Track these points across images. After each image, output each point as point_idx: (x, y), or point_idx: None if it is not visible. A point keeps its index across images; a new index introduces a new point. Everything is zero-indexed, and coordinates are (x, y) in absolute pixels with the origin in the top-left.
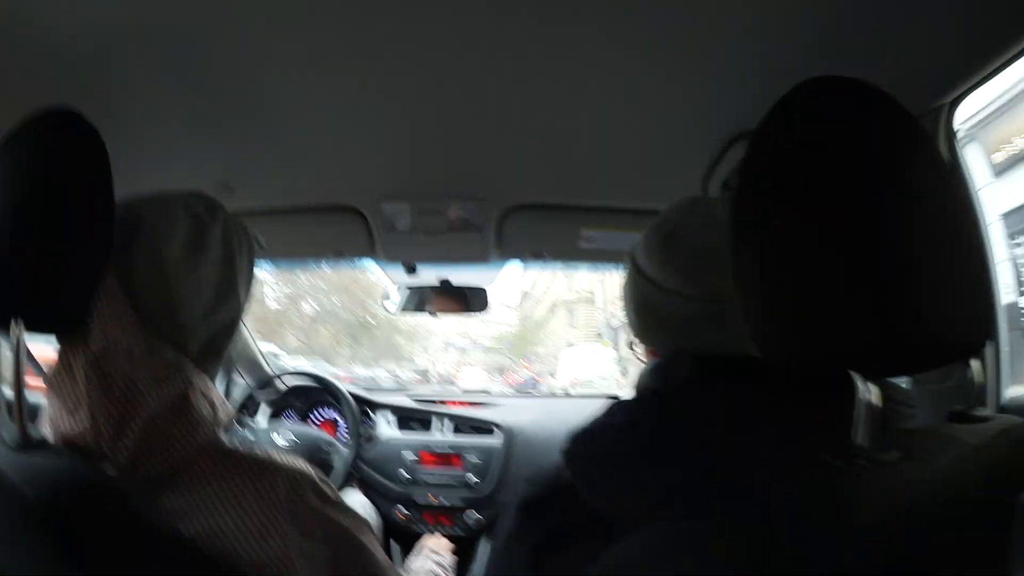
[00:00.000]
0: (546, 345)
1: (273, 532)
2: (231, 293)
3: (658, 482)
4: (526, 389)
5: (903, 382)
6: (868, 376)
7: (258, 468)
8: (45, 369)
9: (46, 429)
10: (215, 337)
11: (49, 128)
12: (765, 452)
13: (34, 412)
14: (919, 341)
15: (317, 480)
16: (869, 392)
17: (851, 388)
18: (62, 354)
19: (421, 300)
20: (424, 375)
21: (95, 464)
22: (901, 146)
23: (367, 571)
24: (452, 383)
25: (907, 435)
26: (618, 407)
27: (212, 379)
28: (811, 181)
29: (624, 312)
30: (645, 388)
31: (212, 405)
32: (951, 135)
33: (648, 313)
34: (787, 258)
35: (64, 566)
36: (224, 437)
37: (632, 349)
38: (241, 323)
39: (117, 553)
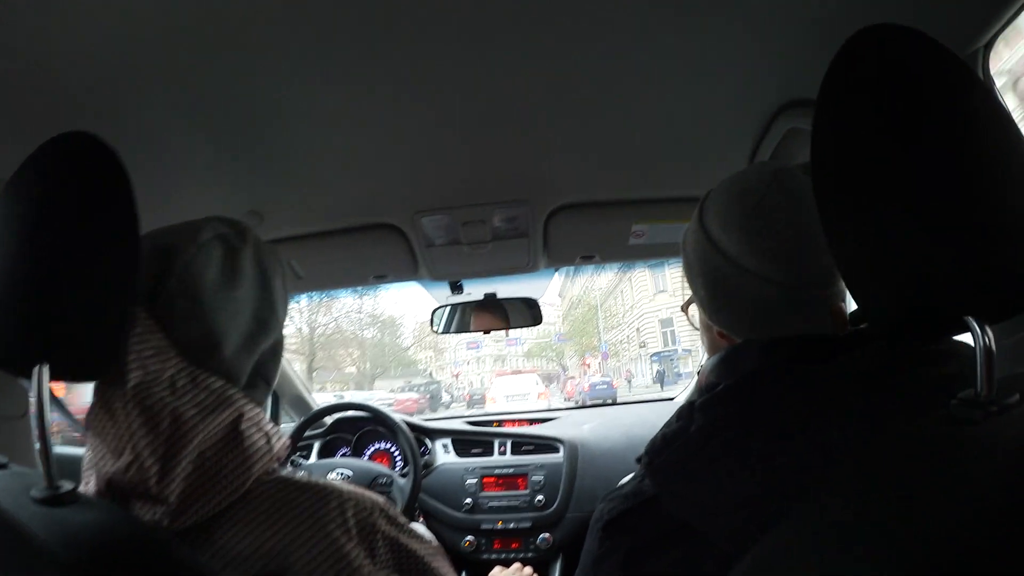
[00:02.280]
0: (624, 326)
1: (343, 564)
2: (271, 316)
3: (757, 481)
4: (596, 399)
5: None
6: (983, 320)
7: (324, 495)
8: (77, 417)
9: (88, 477)
10: (260, 363)
11: (64, 154)
12: (870, 421)
13: (75, 465)
14: None
15: (386, 506)
16: (986, 336)
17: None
18: (99, 393)
19: (464, 317)
20: (433, 394)
21: (133, 515)
22: (963, 90)
23: None
24: (482, 402)
25: (1011, 381)
26: (690, 410)
27: (262, 408)
28: (890, 130)
29: (689, 281)
30: (713, 385)
31: (266, 436)
32: (989, 79)
33: (720, 291)
34: (883, 213)
35: None
36: (281, 470)
37: (685, 311)
38: (283, 352)
39: None
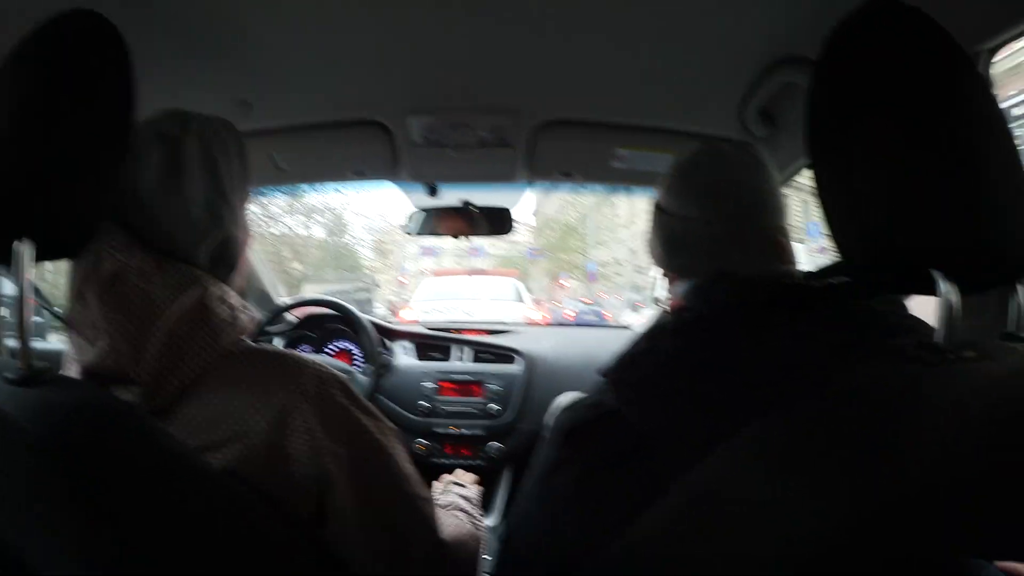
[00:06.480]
0: (615, 243)
1: (299, 424)
2: (223, 205)
3: (721, 400)
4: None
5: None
6: (950, 277)
7: (283, 362)
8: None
9: (71, 371)
10: (221, 251)
11: (68, 31)
12: (836, 356)
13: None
14: (1001, 247)
15: (345, 381)
16: (951, 291)
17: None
18: (74, 285)
19: (438, 221)
20: (361, 302)
21: (108, 392)
22: (960, 71)
23: (392, 479)
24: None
25: (969, 343)
26: (660, 332)
27: (228, 285)
28: (885, 100)
29: (651, 253)
30: (684, 310)
31: (232, 309)
32: (987, 77)
33: (673, 243)
34: (870, 169)
35: (76, 504)
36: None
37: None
38: (245, 235)
39: (134, 486)
